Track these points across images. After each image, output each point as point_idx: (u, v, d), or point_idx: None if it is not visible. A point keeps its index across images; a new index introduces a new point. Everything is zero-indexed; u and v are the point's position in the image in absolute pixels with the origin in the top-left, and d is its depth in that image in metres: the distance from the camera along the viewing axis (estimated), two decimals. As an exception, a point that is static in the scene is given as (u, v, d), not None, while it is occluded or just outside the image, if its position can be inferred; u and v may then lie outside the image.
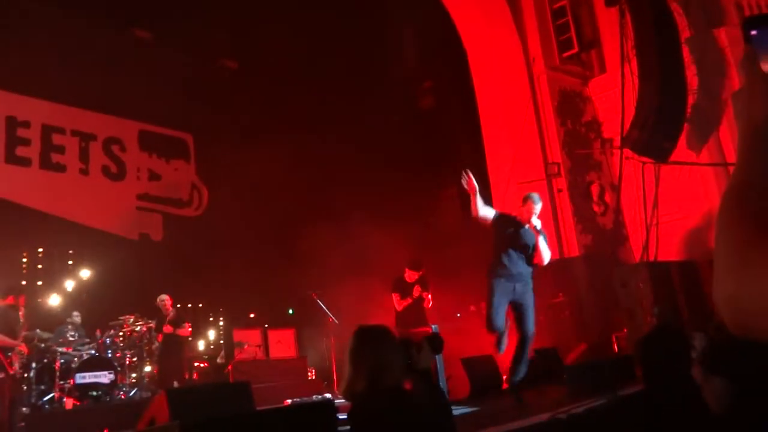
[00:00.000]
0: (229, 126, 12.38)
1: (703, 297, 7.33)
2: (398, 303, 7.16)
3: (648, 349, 2.66)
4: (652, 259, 8.33)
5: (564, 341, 7.97)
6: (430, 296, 7.30)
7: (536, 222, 5.32)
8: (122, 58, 10.86)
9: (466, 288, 8.94)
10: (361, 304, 8.86)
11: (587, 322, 8.55)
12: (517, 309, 5.40)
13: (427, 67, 12.68)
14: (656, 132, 8.07)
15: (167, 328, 8.05)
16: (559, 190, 9.56)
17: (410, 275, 7.27)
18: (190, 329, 8.16)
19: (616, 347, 8.10)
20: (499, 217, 5.47)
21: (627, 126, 8.71)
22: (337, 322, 8.96)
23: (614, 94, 9.36)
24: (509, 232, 5.40)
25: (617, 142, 9.43)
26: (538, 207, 5.37)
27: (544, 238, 5.43)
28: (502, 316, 5.31)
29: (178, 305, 8.78)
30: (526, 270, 5.42)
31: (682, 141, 8.56)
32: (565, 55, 9.91)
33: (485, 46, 10.48)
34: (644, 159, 8.55)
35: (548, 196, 9.58)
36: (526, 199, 5.46)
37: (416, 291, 7.11)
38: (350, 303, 8.94)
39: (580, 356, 7.63)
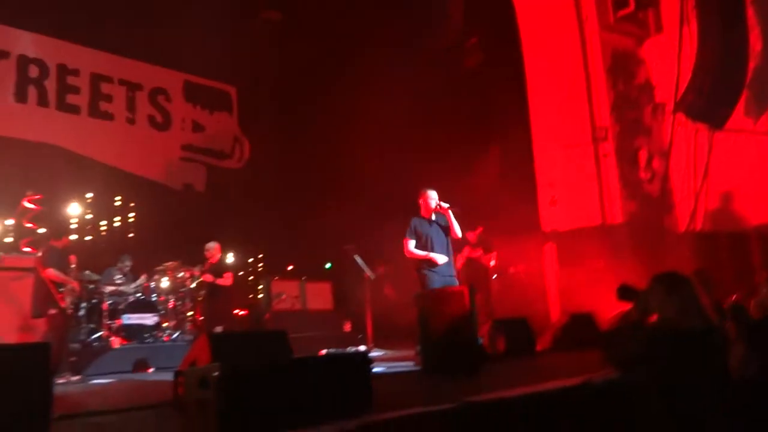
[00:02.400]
0: (271, 79, 12.38)
1: (752, 269, 7.11)
2: (458, 261, 7.88)
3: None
4: (699, 228, 8.09)
5: (602, 308, 7.89)
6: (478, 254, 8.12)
7: (443, 204, 6.01)
8: (168, 8, 10.89)
9: (505, 250, 8.87)
10: (400, 259, 8.94)
11: (627, 290, 8.41)
12: None
13: (473, 22, 12.31)
14: (713, 97, 7.72)
15: (207, 277, 8.24)
16: (605, 155, 9.30)
17: (472, 235, 8.22)
18: (230, 279, 8.32)
19: (655, 316, 7.98)
20: (413, 232, 6.13)
21: (682, 90, 8.35)
22: (373, 276, 9.05)
23: (670, 56, 8.95)
24: (428, 231, 6.07)
25: (670, 106, 9.06)
26: (433, 193, 6.10)
27: (453, 213, 6.07)
28: None
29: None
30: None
31: (740, 107, 8.16)
32: (620, 14, 9.46)
33: (535, 3, 10.09)
34: (698, 125, 8.20)
35: (593, 160, 9.34)
36: (422, 194, 6.15)
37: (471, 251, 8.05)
38: (389, 258, 9.02)
39: (617, 323, 7.54)
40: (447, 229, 6.11)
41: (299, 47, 12.25)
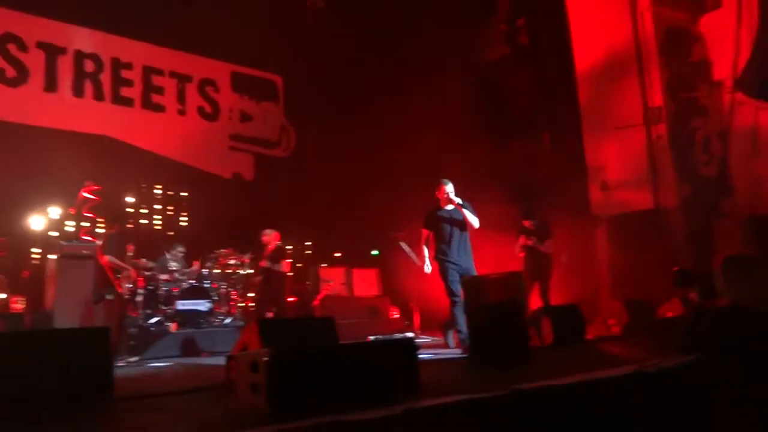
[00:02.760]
0: (316, 68, 12.45)
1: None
2: (517, 249, 8.38)
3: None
4: (759, 212, 7.74)
5: (655, 294, 7.67)
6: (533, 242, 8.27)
7: (456, 198, 6.13)
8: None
9: (556, 237, 8.70)
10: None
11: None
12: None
13: (520, 3, 12.04)
14: (776, 73, 7.33)
15: (263, 263, 8.46)
16: (659, 137, 8.98)
17: (528, 223, 8.47)
18: (286, 267, 8.54)
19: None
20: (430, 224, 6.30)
21: (741, 67, 7.96)
22: (419, 263, 9.05)
23: (728, 32, 8.53)
24: (445, 222, 6.20)
25: (729, 84, 8.66)
26: (450, 187, 6.19)
27: (468, 208, 6.17)
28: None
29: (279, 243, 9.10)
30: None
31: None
32: (675, -12, 9.09)
33: (584, -21, 9.79)
34: (759, 103, 7.81)
35: (646, 142, 9.03)
36: (439, 186, 6.24)
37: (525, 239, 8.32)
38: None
39: (673, 310, 7.33)
40: (462, 222, 6.21)
41: (345, 34, 12.26)
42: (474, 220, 6.19)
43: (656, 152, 8.99)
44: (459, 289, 5.93)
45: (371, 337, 8.16)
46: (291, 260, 9.11)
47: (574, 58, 9.99)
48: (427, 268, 6.36)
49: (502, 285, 5.25)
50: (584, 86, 9.89)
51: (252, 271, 9.43)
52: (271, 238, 8.60)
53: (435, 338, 8.36)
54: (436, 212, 6.33)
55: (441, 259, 6.18)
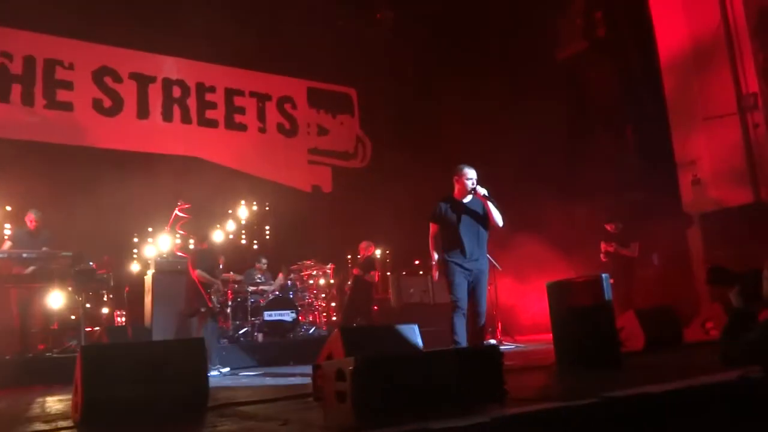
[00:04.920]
0: (389, 78, 12.58)
1: None
2: (602, 255, 8.26)
3: None
4: None
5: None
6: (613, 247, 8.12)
7: (481, 189, 5.24)
8: (286, 18, 11.47)
9: (644, 237, 8.35)
10: (525, 252, 8.73)
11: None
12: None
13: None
14: None
15: (355, 271, 8.81)
16: (756, 125, 8.39)
17: (610, 227, 8.32)
18: (375, 277, 8.89)
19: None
20: (440, 216, 5.40)
21: None
22: (500, 268, 8.90)
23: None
24: (457, 216, 5.33)
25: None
26: (471, 172, 5.35)
27: (493, 201, 5.30)
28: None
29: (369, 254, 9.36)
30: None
31: None
32: (767, -35, 8.50)
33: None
34: None
35: (741, 132, 8.47)
36: (458, 172, 5.39)
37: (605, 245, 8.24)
38: (518, 253, 8.86)
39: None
40: (482, 216, 5.35)
41: (416, 40, 12.34)
42: (498, 217, 5.30)
43: (754, 141, 8.41)
44: (464, 296, 5.25)
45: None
46: (378, 271, 9.41)
47: (657, 48, 9.53)
48: (436, 274, 5.52)
49: (588, 288, 5.05)
50: (669, 77, 9.41)
51: (333, 281, 9.65)
52: (366, 247, 8.99)
53: (519, 345, 8.19)
54: (449, 203, 5.40)
55: (449, 260, 5.29)
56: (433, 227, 5.48)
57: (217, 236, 9.11)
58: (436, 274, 5.49)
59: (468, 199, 5.37)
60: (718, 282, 4.16)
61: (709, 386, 3.11)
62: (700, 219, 8.81)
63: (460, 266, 5.26)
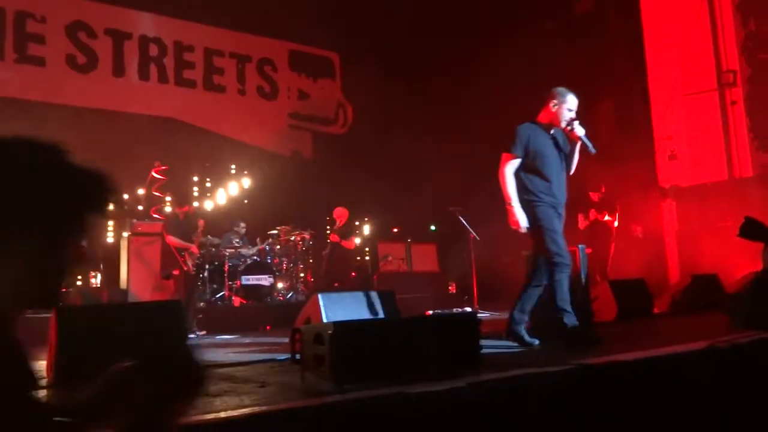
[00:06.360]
0: (372, 44, 12.39)
1: None
2: (581, 222, 7.88)
3: None
4: None
5: (727, 269, 7.33)
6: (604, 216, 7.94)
7: (579, 128, 4.18)
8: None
9: (626, 209, 8.44)
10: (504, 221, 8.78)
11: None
12: None
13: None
14: None
15: (333, 237, 8.80)
16: (733, 102, 8.50)
17: (593, 195, 8.05)
18: (353, 243, 8.88)
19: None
20: (527, 144, 4.25)
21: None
22: (478, 238, 8.98)
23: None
24: (543, 146, 4.27)
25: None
26: (573, 100, 4.25)
27: (587, 144, 4.22)
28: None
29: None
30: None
31: None
32: (753, -59, 8.49)
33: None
34: None
35: (719, 108, 8.57)
36: (553, 96, 4.30)
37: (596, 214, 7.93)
38: (493, 218, 8.90)
39: (745, 285, 6.99)
40: (565, 156, 4.37)
41: (400, 9, 12.12)
42: (574, 166, 4.41)
43: (731, 118, 8.53)
44: (565, 245, 4.15)
45: (430, 312, 8.21)
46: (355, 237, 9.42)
47: (641, 21, 9.53)
48: (523, 220, 4.13)
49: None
50: (652, 51, 9.43)
51: (311, 244, 9.65)
52: (341, 214, 8.95)
53: (493, 313, 8.31)
54: (534, 131, 4.30)
55: (539, 201, 4.14)
56: (511, 160, 4.22)
57: (194, 200, 9.01)
58: (521, 221, 4.12)
59: (553, 130, 4.35)
60: (749, 235, 4.09)
61: (681, 355, 3.20)
62: (674, 194, 8.96)
63: (555, 210, 4.19)
